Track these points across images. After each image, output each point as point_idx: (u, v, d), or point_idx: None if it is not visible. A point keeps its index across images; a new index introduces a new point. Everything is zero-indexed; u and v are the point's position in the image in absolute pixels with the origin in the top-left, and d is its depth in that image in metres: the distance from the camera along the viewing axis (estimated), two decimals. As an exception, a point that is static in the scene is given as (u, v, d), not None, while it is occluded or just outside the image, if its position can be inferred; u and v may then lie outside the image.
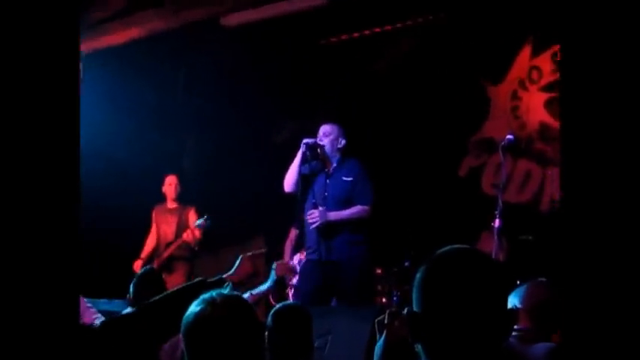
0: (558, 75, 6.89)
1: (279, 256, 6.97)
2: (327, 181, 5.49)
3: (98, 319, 3.03)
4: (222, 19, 7.40)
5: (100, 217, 6.59)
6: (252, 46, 7.69)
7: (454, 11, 7.23)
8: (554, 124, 6.98)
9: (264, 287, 4.64)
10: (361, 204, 5.43)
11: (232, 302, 2.11)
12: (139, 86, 7.68)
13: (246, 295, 4.37)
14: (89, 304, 3.21)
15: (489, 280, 1.51)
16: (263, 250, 5.04)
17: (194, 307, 2.09)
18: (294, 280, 6.11)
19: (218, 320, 2.04)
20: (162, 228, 7.45)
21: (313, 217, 5.36)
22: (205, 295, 2.10)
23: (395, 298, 6.27)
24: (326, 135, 5.53)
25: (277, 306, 3.46)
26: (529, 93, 7.25)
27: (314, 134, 5.59)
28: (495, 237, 5.12)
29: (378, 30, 7.68)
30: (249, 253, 3.77)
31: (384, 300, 6.44)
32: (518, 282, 4.43)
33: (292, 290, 6.16)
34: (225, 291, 2.12)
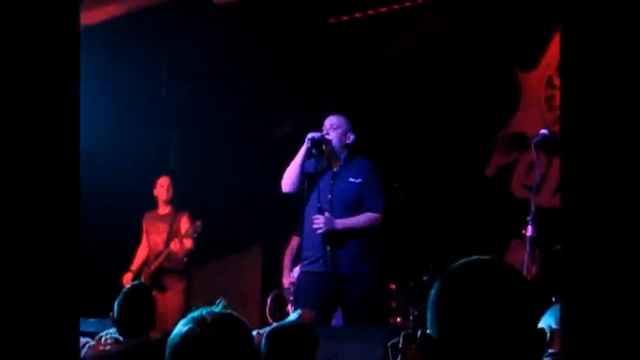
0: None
1: (278, 265, 6.98)
2: (333, 181, 5.43)
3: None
4: (213, -6, 7.43)
5: (83, 221, 6.59)
6: (247, 25, 7.69)
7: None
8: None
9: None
10: (371, 211, 5.38)
11: (224, 321, 2.09)
12: (117, 72, 7.69)
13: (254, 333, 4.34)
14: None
15: (516, 298, 1.48)
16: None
17: (181, 327, 2.07)
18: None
19: (208, 341, 2.03)
20: (152, 237, 7.48)
21: (318, 223, 5.30)
22: (194, 314, 2.09)
23: (411, 318, 6.29)
24: (333, 128, 5.45)
25: (274, 326, 3.40)
26: (567, 80, 7.26)
27: (319, 128, 5.51)
28: (527, 246, 5.11)
29: (396, 7, 7.64)
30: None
31: (398, 320, 6.45)
32: (553, 299, 4.47)
33: (293, 307, 6.14)
34: (217, 308, 2.11)
